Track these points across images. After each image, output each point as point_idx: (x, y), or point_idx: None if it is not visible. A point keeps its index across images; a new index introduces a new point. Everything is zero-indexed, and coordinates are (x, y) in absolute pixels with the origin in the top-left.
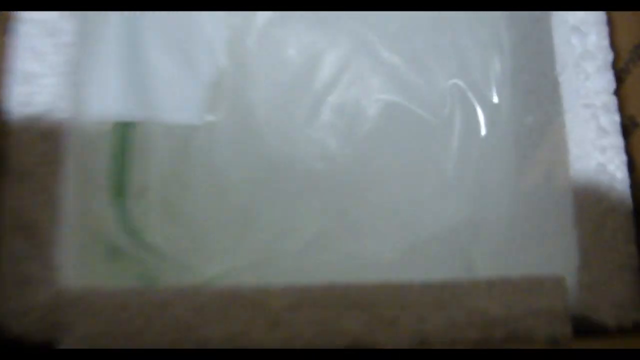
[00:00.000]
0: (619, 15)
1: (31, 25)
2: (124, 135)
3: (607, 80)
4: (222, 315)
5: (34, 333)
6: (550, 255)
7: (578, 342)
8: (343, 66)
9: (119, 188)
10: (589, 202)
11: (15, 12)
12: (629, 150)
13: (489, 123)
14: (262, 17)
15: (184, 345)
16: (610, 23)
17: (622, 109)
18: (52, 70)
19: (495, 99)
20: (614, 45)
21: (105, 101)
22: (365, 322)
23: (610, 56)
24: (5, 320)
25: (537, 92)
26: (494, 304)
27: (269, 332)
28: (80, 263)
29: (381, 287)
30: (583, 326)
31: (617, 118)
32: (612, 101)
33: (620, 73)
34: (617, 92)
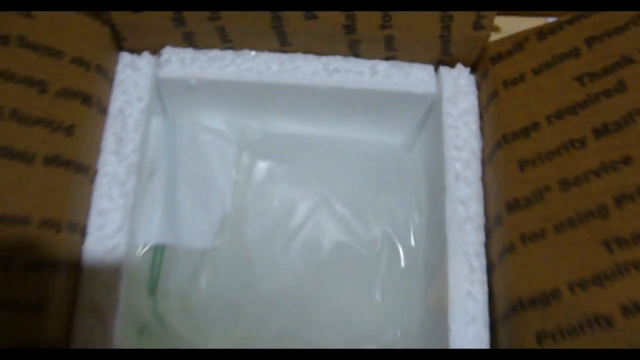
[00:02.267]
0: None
1: (107, 177)
2: (158, 254)
3: (480, 237)
4: None
5: None
6: None
7: None
8: (309, 214)
9: (152, 289)
10: (458, 311)
11: (97, 168)
12: (490, 284)
13: (407, 259)
14: (257, 177)
15: None
16: (485, 197)
17: (488, 256)
18: (118, 207)
19: (413, 243)
20: (487, 213)
21: (149, 230)
22: None
23: (483, 220)
24: None
25: (438, 242)
26: None
27: None
28: (123, 337)
29: None
30: None
31: (484, 262)
32: (482, 251)
33: (488, 231)
34: (486, 244)
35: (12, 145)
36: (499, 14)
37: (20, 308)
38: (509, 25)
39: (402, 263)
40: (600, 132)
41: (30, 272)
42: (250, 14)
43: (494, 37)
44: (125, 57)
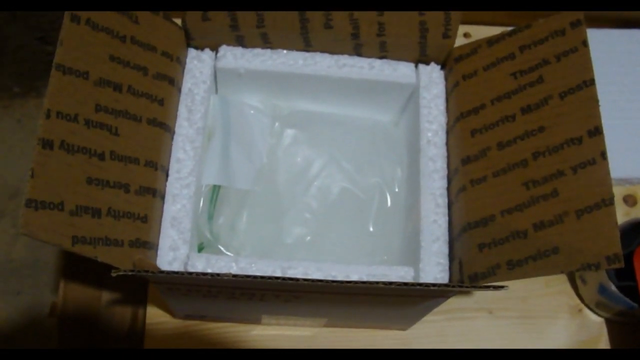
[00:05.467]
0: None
1: (181, 137)
2: (215, 191)
3: (443, 183)
4: None
5: None
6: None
7: None
8: (322, 168)
9: (210, 216)
10: (427, 233)
11: (175, 130)
12: (449, 216)
13: (393, 201)
14: (286, 141)
15: None
16: (448, 156)
17: (448, 196)
18: (189, 157)
19: (397, 189)
20: (449, 166)
21: (210, 174)
22: None
23: (446, 172)
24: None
25: (414, 188)
26: None
27: None
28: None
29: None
30: None
31: (446, 200)
32: (445, 192)
33: (449, 179)
34: (447, 188)
35: (128, 109)
36: (470, 24)
37: (135, 217)
38: (477, 32)
39: (389, 203)
40: (525, 110)
41: (140, 195)
42: (284, 23)
43: (465, 41)
44: (192, 52)
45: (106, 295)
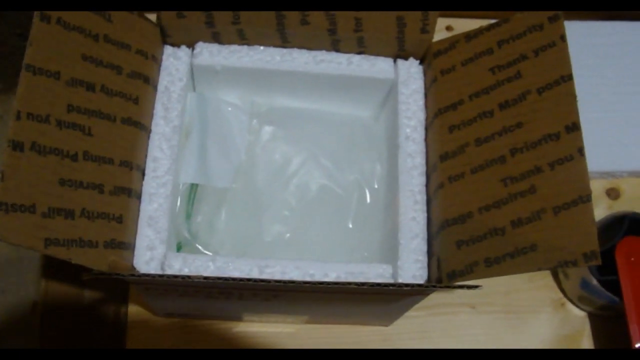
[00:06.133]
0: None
1: (158, 135)
2: (192, 190)
3: (422, 180)
4: None
5: None
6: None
7: None
8: (301, 165)
9: (188, 214)
10: (405, 230)
11: (151, 128)
12: (428, 212)
13: (372, 198)
14: (264, 137)
15: None
16: (426, 152)
17: (427, 192)
18: (166, 156)
19: (376, 186)
20: (427, 163)
21: (187, 172)
22: None
23: (424, 168)
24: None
25: (393, 184)
26: None
27: None
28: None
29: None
30: None
31: (425, 197)
32: (423, 189)
33: (427, 175)
34: (426, 185)
35: (101, 109)
36: (451, 16)
37: (109, 218)
38: (459, 25)
39: (368, 200)
40: (503, 106)
41: (115, 195)
42: (260, 19)
43: (448, 34)
44: (168, 49)
45: (88, 293)
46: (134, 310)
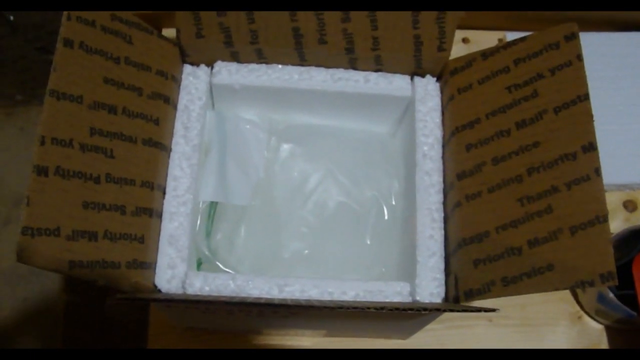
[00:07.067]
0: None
1: (178, 154)
2: (212, 208)
3: (439, 198)
4: None
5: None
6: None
7: None
8: (319, 182)
9: (208, 232)
10: (423, 248)
11: (171, 147)
12: (445, 230)
13: (390, 214)
14: (282, 155)
15: None
16: (444, 170)
17: (444, 210)
18: (186, 174)
19: (394, 202)
20: (444, 181)
21: (207, 191)
22: None
23: (442, 186)
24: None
25: (411, 201)
26: None
27: None
28: (189, 261)
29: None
30: None
31: (442, 215)
32: (440, 207)
33: (445, 193)
34: (443, 202)
35: (123, 131)
36: (468, 28)
37: (132, 238)
38: (476, 37)
39: (386, 217)
40: (520, 125)
41: (136, 216)
42: (279, 39)
43: (464, 47)
44: (188, 68)
45: (109, 304)
46: (154, 320)
